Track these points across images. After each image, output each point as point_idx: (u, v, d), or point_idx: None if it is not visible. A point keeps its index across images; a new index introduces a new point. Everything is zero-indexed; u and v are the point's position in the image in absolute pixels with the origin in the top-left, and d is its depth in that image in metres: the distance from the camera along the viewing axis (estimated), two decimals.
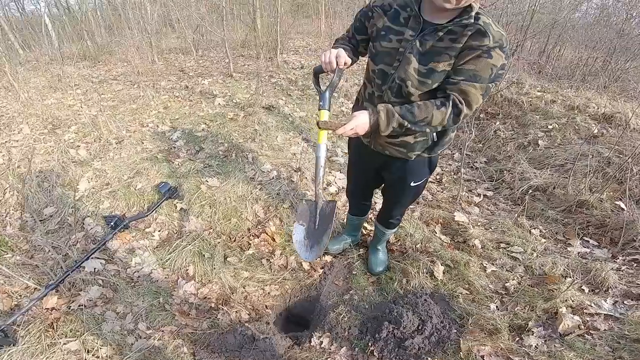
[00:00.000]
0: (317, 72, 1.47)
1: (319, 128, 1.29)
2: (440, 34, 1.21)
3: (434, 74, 1.25)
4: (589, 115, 3.71)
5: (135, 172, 2.79)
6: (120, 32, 7.29)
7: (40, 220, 2.38)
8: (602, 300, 1.73)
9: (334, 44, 1.52)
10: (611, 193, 2.53)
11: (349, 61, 1.37)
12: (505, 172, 3.22)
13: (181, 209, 2.52)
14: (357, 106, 1.61)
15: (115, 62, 6.35)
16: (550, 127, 3.63)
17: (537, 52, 8.04)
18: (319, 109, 1.39)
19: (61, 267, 1.97)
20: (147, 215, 2.42)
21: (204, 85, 4.71)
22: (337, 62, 1.34)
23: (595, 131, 3.37)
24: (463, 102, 1.22)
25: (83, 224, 2.34)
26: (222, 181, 2.74)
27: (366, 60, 1.48)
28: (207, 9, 7.32)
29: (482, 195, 2.97)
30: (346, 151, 3.37)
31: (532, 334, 1.59)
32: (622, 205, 2.37)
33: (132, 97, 4.37)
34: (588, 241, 2.30)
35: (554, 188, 2.84)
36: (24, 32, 8.02)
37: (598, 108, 3.80)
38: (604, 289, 1.83)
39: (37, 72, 5.42)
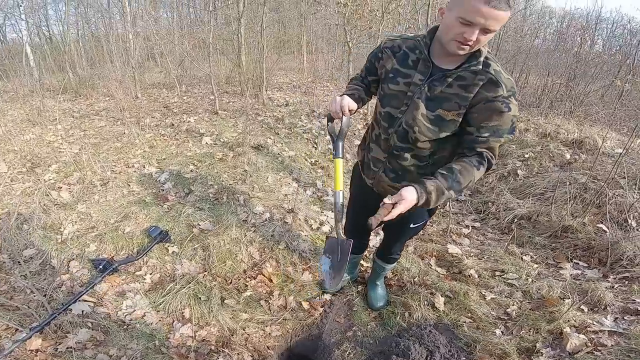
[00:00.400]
0: (330, 119, 1.47)
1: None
2: (449, 80, 1.22)
3: (443, 122, 1.25)
4: (560, 142, 3.96)
5: (122, 216, 2.72)
6: (102, 65, 7.27)
7: (19, 262, 2.26)
8: (603, 318, 1.77)
9: (348, 83, 1.57)
10: (592, 217, 2.66)
11: (355, 107, 1.40)
12: (490, 203, 3.34)
13: (173, 252, 2.45)
14: (364, 145, 1.64)
15: (97, 96, 6.28)
16: (526, 156, 3.84)
17: None
18: (334, 158, 1.44)
19: (45, 309, 1.87)
20: (137, 259, 2.34)
21: (190, 123, 4.71)
22: (342, 111, 1.36)
23: (569, 157, 3.59)
24: (492, 156, 1.23)
25: (68, 266, 2.25)
26: (215, 224, 2.71)
27: (375, 102, 1.52)
28: (190, 44, 7.43)
29: (470, 227, 3.04)
30: None
31: (542, 355, 1.60)
32: (604, 228, 2.49)
33: (116, 134, 4.32)
34: (578, 263, 2.37)
35: (538, 216, 2.95)
36: (2, 61, 7.87)
37: (568, 134, 4.08)
38: (602, 307, 1.88)
39: (15, 103, 5.29)
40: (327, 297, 2.26)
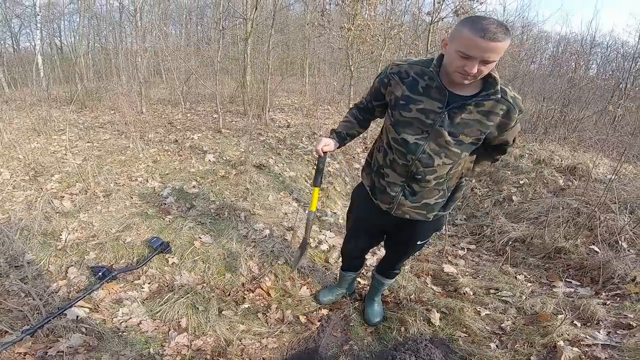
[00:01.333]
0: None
1: None
2: (470, 107, 1.28)
3: (463, 145, 1.33)
4: (554, 168, 4.06)
5: (124, 226, 2.76)
6: (110, 78, 7.38)
7: (16, 266, 2.28)
8: (596, 332, 1.81)
9: (348, 111, 1.71)
10: (584, 239, 2.72)
11: (331, 149, 1.64)
12: (485, 227, 3.40)
13: (173, 263, 2.48)
14: (371, 169, 1.66)
15: (102, 109, 6.35)
16: (521, 182, 3.92)
17: None
18: (313, 186, 1.81)
19: (40, 313, 1.88)
20: (137, 268, 2.37)
21: (194, 140, 4.79)
22: (323, 151, 1.62)
23: (562, 183, 3.68)
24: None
25: (66, 272, 2.27)
26: (216, 238, 2.75)
27: (381, 126, 1.58)
28: (197, 62, 7.57)
29: (466, 249, 3.09)
30: (335, 211, 3.49)
31: None
32: (596, 249, 2.55)
33: (120, 147, 4.38)
34: (571, 282, 2.42)
35: (531, 238, 3.01)
36: (12, 69, 7.97)
37: (562, 160, 4.18)
38: (595, 322, 1.92)
39: (22, 112, 5.36)
40: (324, 311, 2.28)
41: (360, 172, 1.80)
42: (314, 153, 1.67)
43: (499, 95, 1.26)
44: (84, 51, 9.26)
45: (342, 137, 1.68)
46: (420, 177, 1.44)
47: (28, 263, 2.32)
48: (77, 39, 10.48)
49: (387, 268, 2.02)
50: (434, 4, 6.61)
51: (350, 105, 1.74)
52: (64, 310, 1.92)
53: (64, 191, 3.22)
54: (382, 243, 1.97)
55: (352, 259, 2.12)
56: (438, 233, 1.91)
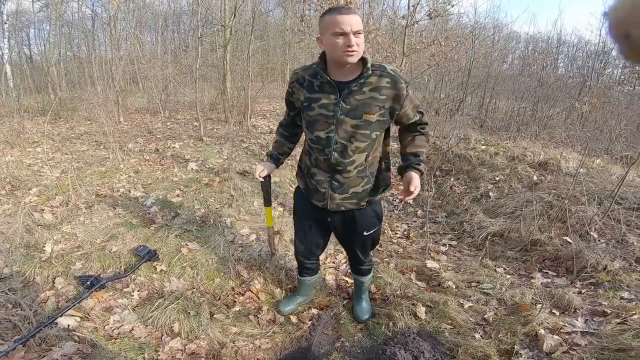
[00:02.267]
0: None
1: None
2: (355, 88, 1.44)
3: (371, 124, 1.47)
4: (527, 164, 4.24)
5: (109, 236, 2.73)
6: (84, 87, 7.21)
7: (0, 279, 2.24)
8: (574, 320, 1.91)
9: (276, 131, 1.91)
10: (557, 231, 2.86)
11: (265, 173, 1.85)
12: (464, 223, 3.52)
13: (161, 270, 2.48)
14: (302, 173, 1.80)
15: (78, 120, 6.20)
16: (497, 178, 4.08)
17: (477, 106, 9.06)
18: (265, 206, 2.11)
19: (30, 323, 1.87)
20: (125, 276, 2.36)
21: (175, 149, 4.76)
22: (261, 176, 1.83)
23: (535, 178, 3.85)
24: (424, 122, 1.66)
25: (53, 283, 2.25)
26: (203, 244, 2.76)
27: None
28: (175, 69, 7.48)
29: (447, 245, 3.20)
30: None
31: (521, 356, 1.71)
32: (569, 240, 2.70)
33: (99, 158, 4.32)
34: (547, 273, 2.54)
35: (509, 232, 3.14)
36: None
37: (534, 156, 4.38)
38: (572, 310, 2.02)
39: None
40: (315, 311, 2.33)
41: (296, 176, 1.90)
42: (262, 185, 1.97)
43: (378, 71, 1.44)
44: (55, 60, 9.02)
45: (275, 157, 1.89)
46: (341, 168, 1.57)
47: (14, 274, 2.28)
48: (48, 47, 10.21)
49: (355, 265, 2.12)
50: (408, 8, 6.81)
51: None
52: (55, 319, 1.90)
53: (44, 204, 3.16)
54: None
55: (305, 262, 2.13)
56: (383, 222, 2.07)
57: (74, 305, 2.04)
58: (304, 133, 1.70)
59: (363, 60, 1.43)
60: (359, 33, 1.35)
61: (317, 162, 1.62)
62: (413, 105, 1.55)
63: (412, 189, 1.49)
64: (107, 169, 4.03)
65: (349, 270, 2.73)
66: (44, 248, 2.52)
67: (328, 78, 1.45)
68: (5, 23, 10.01)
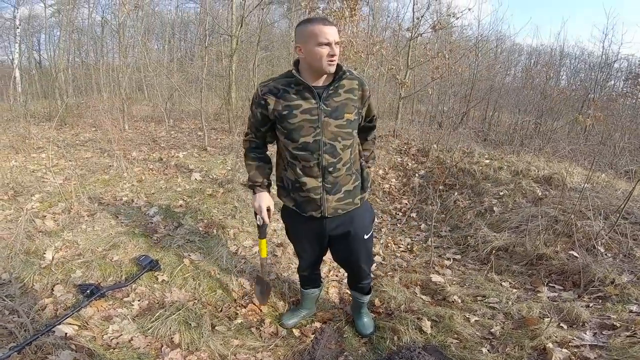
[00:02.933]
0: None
1: None
2: (332, 91, 1.54)
3: (351, 123, 1.58)
4: (532, 179, 4.22)
5: (111, 245, 2.72)
6: (90, 94, 7.23)
7: None
8: (583, 333, 1.88)
9: (247, 159, 1.81)
10: (563, 245, 2.83)
11: (272, 203, 1.83)
12: (469, 237, 3.48)
13: (163, 280, 2.46)
14: (285, 191, 1.77)
15: (83, 126, 6.22)
16: (501, 193, 4.06)
17: (480, 119, 9.04)
18: (259, 239, 2.01)
19: (27, 330, 1.84)
20: (126, 286, 2.34)
21: (179, 159, 4.77)
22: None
23: (540, 193, 3.83)
24: (375, 127, 1.89)
25: (52, 290, 2.23)
26: (205, 255, 2.74)
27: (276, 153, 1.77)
28: (180, 78, 7.51)
29: (451, 259, 3.17)
30: None
31: None
32: (575, 254, 2.66)
33: (103, 166, 4.32)
34: (554, 286, 2.51)
35: (514, 247, 3.11)
36: None
37: (538, 171, 4.35)
38: (580, 324, 1.99)
39: None
40: (318, 324, 2.30)
41: (278, 197, 1.86)
42: (259, 219, 1.86)
43: (348, 74, 1.57)
44: (64, 66, 9.11)
45: (267, 184, 1.83)
46: (332, 168, 1.61)
47: (12, 280, 2.26)
48: (57, 53, 10.32)
49: (355, 281, 2.07)
50: (413, 20, 6.90)
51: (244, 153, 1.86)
52: (52, 327, 1.87)
53: (46, 211, 3.16)
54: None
55: (310, 274, 2.14)
56: (376, 221, 2.06)
57: (73, 313, 2.01)
58: (280, 150, 1.71)
59: (337, 66, 1.52)
60: (338, 43, 1.46)
61: (306, 170, 1.61)
62: (372, 108, 1.74)
63: None
64: (111, 177, 4.03)
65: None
66: (44, 255, 2.51)
67: (307, 84, 1.51)
68: (18, 28, 10.14)
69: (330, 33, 1.42)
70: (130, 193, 3.69)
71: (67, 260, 2.50)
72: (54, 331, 1.87)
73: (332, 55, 1.45)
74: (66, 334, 1.88)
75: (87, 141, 5.43)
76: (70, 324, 1.96)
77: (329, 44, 1.43)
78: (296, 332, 2.21)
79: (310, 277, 2.15)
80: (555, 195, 3.75)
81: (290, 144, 1.59)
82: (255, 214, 1.85)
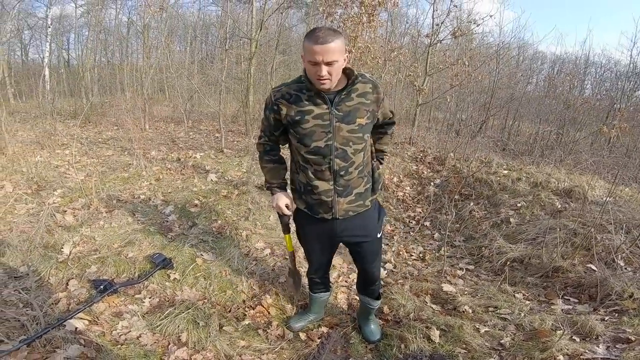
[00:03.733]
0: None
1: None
2: (344, 96, 1.53)
3: (363, 127, 1.56)
4: (551, 191, 4.11)
5: (126, 242, 2.78)
6: (114, 93, 7.43)
7: (15, 277, 2.30)
8: (595, 347, 1.83)
9: (262, 162, 1.82)
10: (581, 258, 2.76)
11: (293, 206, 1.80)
12: (483, 248, 3.42)
13: (174, 279, 2.49)
14: (298, 193, 1.77)
15: (106, 124, 6.39)
16: (519, 205, 3.97)
17: (499, 128, 8.85)
18: (285, 234, 1.98)
19: (39, 323, 1.88)
20: (138, 282, 2.38)
21: (196, 159, 4.85)
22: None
23: (559, 206, 3.73)
24: (392, 123, 1.87)
25: (67, 285, 2.28)
26: (217, 256, 2.78)
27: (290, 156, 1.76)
28: (200, 80, 7.63)
29: (464, 269, 3.12)
30: None
31: None
32: (593, 267, 2.59)
33: (123, 164, 4.43)
34: (569, 299, 2.45)
35: (529, 259, 3.04)
36: (20, 81, 7.99)
37: (558, 183, 4.24)
38: (594, 337, 1.94)
39: (26, 124, 5.39)
40: (324, 329, 2.29)
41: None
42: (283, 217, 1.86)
43: (361, 78, 1.56)
44: (90, 65, 9.41)
45: (284, 185, 1.85)
46: (343, 172, 1.61)
47: (30, 274, 2.34)
48: (85, 53, 10.67)
49: (366, 285, 2.06)
50: (432, 27, 6.84)
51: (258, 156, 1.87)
52: (64, 322, 1.92)
53: (67, 206, 3.26)
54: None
55: (315, 279, 2.12)
56: (386, 218, 2.04)
57: (85, 308, 2.06)
58: (293, 153, 1.72)
59: (349, 71, 1.53)
60: (332, 63, 1.38)
61: (317, 173, 1.63)
62: (387, 108, 1.72)
63: None
64: (130, 175, 4.12)
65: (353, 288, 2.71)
66: (62, 249, 2.58)
67: (316, 89, 1.50)
68: (49, 27, 10.53)
69: (318, 53, 1.35)
70: (147, 191, 3.77)
71: (83, 255, 2.57)
72: (64, 325, 1.91)
73: (320, 76, 1.41)
74: (76, 328, 1.92)
75: (109, 139, 5.58)
76: (81, 318, 2.00)
77: (317, 64, 1.38)
78: (302, 335, 2.21)
79: (320, 280, 2.14)
80: (575, 208, 3.65)
81: (303, 148, 1.60)
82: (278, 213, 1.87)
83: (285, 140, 1.76)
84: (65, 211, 3.15)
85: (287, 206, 1.77)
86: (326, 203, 1.67)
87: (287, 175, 1.86)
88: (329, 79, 1.42)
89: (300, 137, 1.57)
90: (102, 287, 2.23)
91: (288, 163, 1.84)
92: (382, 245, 1.97)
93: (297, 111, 1.55)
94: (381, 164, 1.89)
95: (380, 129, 1.84)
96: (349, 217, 1.72)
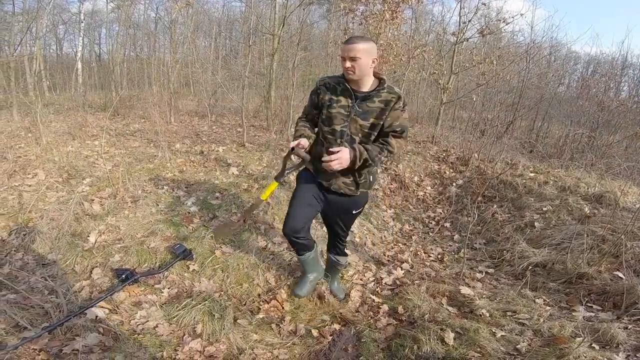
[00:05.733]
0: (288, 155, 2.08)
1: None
2: (369, 99, 1.86)
3: (375, 127, 1.89)
4: (580, 196, 3.96)
5: (149, 232, 2.86)
6: (142, 87, 7.65)
7: (43, 264, 2.41)
8: (615, 355, 1.77)
9: (297, 123, 2.11)
10: (608, 265, 2.66)
11: (306, 145, 1.95)
12: (504, 251, 3.34)
13: (193, 270, 2.55)
14: (313, 158, 2.04)
15: (133, 117, 6.57)
16: (544, 209, 3.84)
17: (527, 130, 8.56)
18: (276, 180, 2.14)
19: (62, 311, 1.96)
20: (159, 272, 2.45)
21: (219, 153, 4.93)
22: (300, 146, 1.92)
23: (587, 211, 3.58)
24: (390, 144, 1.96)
25: (91, 273, 2.37)
26: (236, 248, 2.82)
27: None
28: (224, 75, 7.75)
29: (484, 272, 3.06)
30: (352, 230, 3.47)
31: None
32: (621, 275, 2.49)
33: (149, 156, 4.54)
34: (591, 306, 2.37)
35: (553, 264, 2.95)
36: (55, 74, 8.33)
37: (588, 188, 4.08)
38: (614, 345, 1.88)
39: (59, 116, 5.60)
40: (337, 326, 2.30)
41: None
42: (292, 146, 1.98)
43: (389, 89, 1.87)
44: (120, 60, 9.72)
45: (308, 135, 2.03)
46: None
47: (57, 261, 2.45)
48: (115, 47, 11.02)
49: (333, 244, 2.40)
50: (459, 25, 6.68)
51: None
52: (85, 310, 1.99)
53: (94, 195, 3.37)
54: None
55: (299, 237, 2.18)
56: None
57: (106, 297, 2.13)
58: (319, 128, 2.04)
59: (381, 80, 1.89)
60: (355, 59, 1.77)
61: (328, 148, 1.90)
62: (400, 121, 1.90)
63: (333, 155, 1.78)
64: (155, 167, 4.23)
65: (376, 288, 2.75)
66: (88, 238, 2.69)
67: (348, 86, 1.88)
68: (82, 22, 10.93)
69: (345, 49, 1.78)
70: (171, 183, 3.85)
71: (108, 244, 2.66)
72: (86, 313, 1.98)
73: (346, 69, 1.80)
74: (97, 316, 1.98)
75: (136, 131, 5.74)
76: (102, 307, 2.07)
77: (343, 58, 1.80)
78: (314, 332, 2.23)
79: (299, 240, 2.20)
80: (604, 215, 3.51)
81: (324, 127, 1.97)
82: (289, 152, 2.00)
83: (316, 124, 2.09)
84: (93, 200, 3.26)
85: (301, 147, 1.94)
86: (328, 173, 1.96)
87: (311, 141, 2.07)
88: (352, 71, 1.79)
89: (325, 118, 1.96)
90: (123, 276, 2.30)
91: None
92: (357, 217, 2.29)
93: (330, 98, 1.94)
94: (354, 152, 1.91)
95: (380, 137, 1.96)
96: (339, 195, 2.07)
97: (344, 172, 1.97)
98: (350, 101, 1.90)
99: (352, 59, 1.78)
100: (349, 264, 2.93)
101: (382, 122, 1.88)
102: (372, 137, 1.94)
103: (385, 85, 1.87)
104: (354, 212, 2.19)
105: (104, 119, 6.13)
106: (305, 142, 1.95)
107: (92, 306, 2.03)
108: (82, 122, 5.35)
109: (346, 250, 2.50)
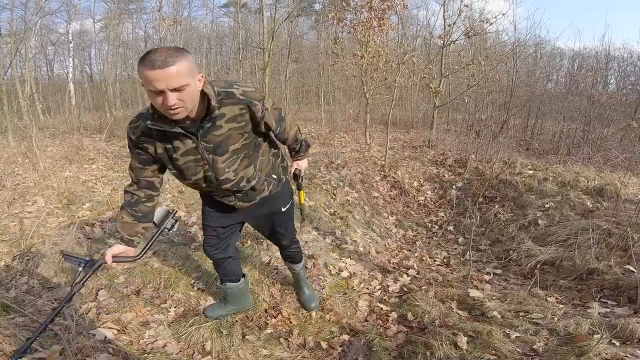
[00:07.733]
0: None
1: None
2: (209, 125, 1.31)
3: (239, 150, 1.42)
4: (581, 191, 3.96)
5: (152, 253, 2.82)
6: (136, 107, 7.64)
7: (49, 288, 2.39)
8: (637, 350, 1.74)
9: (121, 209, 1.64)
10: (618, 259, 2.64)
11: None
12: (510, 251, 3.33)
13: (198, 288, 2.52)
14: (207, 199, 1.77)
15: None
16: (547, 206, 3.84)
17: (521, 128, 8.61)
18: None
19: (70, 333, 1.92)
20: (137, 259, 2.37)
21: None
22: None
23: (590, 205, 3.58)
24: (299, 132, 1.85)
25: (97, 295, 2.34)
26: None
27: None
28: None
29: (491, 274, 3.03)
30: (355, 239, 3.48)
31: None
32: (632, 268, 2.47)
33: None
34: (606, 302, 2.34)
35: (561, 261, 2.93)
36: (48, 97, 8.27)
37: (588, 182, 4.09)
38: (636, 340, 1.84)
39: (55, 139, 5.56)
40: (346, 337, 2.25)
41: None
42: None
43: (229, 99, 1.31)
44: (112, 79, 9.70)
45: (132, 242, 1.68)
46: (236, 189, 1.55)
47: (61, 284, 2.42)
48: (106, 67, 11.06)
49: (284, 249, 2.14)
50: (444, 28, 6.77)
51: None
52: (92, 330, 1.96)
53: (95, 218, 3.35)
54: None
55: (228, 261, 2.00)
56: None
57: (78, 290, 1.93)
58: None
59: (205, 94, 1.28)
60: (182, 88, 1.14)
61: (213, 193, 1.62)
62: (274, 117, 1.50)
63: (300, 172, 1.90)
64: None
65: (383, 296, 2.70)
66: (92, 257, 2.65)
67: (178, 127, 1.30)
68: (71, 42, 10.98)
69: (158, 79, 1.10)
70: (171, 203, 3.84)
71: (111, 266, 2.63)
72: (94, 334, 1.95)
73: (170, 107, 1.15)
74: (106, 337, 1.96)
75: None
76: (110, 328, 2.05)
77: (159, 93, 1.13)
78: (324, 344, 2.17)
79: (229, 263, 2.01)
80: (607, 208, 3.50)
81: (184, 181, 1.53)
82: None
83: (154, 186, 1.58)
84: (94, 224, 3.24)
85: (113, 256, 1.53)
86: (228, 200, 1.65)
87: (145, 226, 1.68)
88: (182, 107, 1.18)
89: (177, 173, 1.46)
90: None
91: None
92: (292, 213, 1.99)
93: (165, 147, 1.37)
94: (300, 152, 1.92)
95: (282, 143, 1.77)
96: (253, 203, 1.70)
97: (244, 198, 1.65)
98: (191, 142, 1.34)
99: (177, 90, 1.13)
100: (305, 268, 2.85)
101: (250, 140, 1.45)
102: (249, 157, 1.49)
103: (217, 99, 1.29)
104: (282, 209, 1.86)
105: (100, 141, 6.12)
106: (118, 250, 1.55)
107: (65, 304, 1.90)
108: (79, 145, 5.32)
109: (302, 254, 2.26)
